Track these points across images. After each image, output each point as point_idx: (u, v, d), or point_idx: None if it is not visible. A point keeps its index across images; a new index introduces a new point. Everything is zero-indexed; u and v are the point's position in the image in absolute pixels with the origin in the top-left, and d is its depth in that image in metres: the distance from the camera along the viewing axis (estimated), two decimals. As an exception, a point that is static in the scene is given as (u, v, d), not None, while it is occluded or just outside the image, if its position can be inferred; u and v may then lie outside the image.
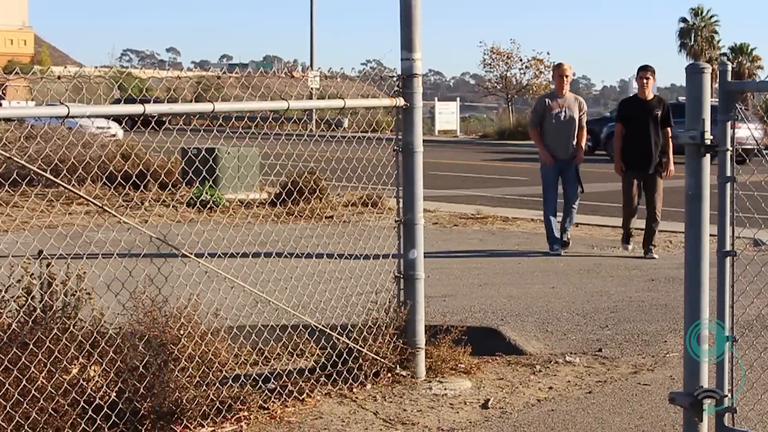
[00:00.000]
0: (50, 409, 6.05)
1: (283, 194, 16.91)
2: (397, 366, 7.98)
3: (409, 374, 7.98)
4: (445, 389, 7.80)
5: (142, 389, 6.48)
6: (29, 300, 6.45)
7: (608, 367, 8.58)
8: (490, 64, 75.78)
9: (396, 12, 7.92)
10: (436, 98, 79.96)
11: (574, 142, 14.60)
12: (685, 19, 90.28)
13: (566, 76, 14.73)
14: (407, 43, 7.91)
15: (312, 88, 54.34)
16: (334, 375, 7.68)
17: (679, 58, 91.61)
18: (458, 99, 78.47)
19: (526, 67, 74.73)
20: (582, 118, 14.70)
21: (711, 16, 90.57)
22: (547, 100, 14.76)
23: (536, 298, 11.20)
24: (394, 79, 8.03)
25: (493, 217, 19.16)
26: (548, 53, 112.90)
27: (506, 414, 7.33)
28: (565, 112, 14.51)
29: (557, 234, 14.56)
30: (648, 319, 10.11)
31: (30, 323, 6.26)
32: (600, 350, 9.04)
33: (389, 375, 7.91)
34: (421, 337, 8.04)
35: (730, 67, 5.39)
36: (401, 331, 7.96)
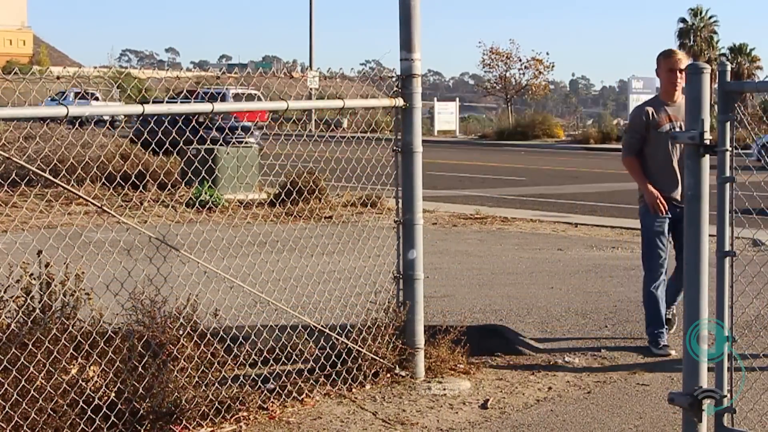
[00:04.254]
0: (49, 410, 6.05)
1: (283, 194, 16.91)
2: (397, 366, 7.98)
3: (408, 374, 7.98)
4: (444, 389, 7.80)
5: (141, 389, 6.48)
6: (28, 300, 6.43)
7: (607, 367, 8.57)
8: (489, 65, 75.89)
9: (395, 12, 7.92)
10: (435, 98, 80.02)
11: None
12: (684, 20, 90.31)
13: (680, 71, 9.07)
14: (406, 44, 7.90)
15: (311, 89, 54.34)
16: (333, 375, 7.68)
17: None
18: (457, 99, 78.54)
19: (525, 67, 74.85)
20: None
21: (710, 17, 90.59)
22: (649, 110, 9.17)
23: (536, 298, 11.19)
24: (393, 79, 8.02)
25: (492, 218, 19.17)
26: (547, 53, 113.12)
27: (505, 414, 7.33)
28: (681, 126, 8.80)
29: (664, 314, 9.23)
30: (647, 320, 10.10)
31: (29, 323, 6.26)
32: (599, 350, 9.03)
33: (388, 375, 7.91)
34: (421, 338, 8.04)
35: (729, 68, 5.39)
36: (400, 331, 7.95)
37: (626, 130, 9.66)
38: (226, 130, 21.44)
